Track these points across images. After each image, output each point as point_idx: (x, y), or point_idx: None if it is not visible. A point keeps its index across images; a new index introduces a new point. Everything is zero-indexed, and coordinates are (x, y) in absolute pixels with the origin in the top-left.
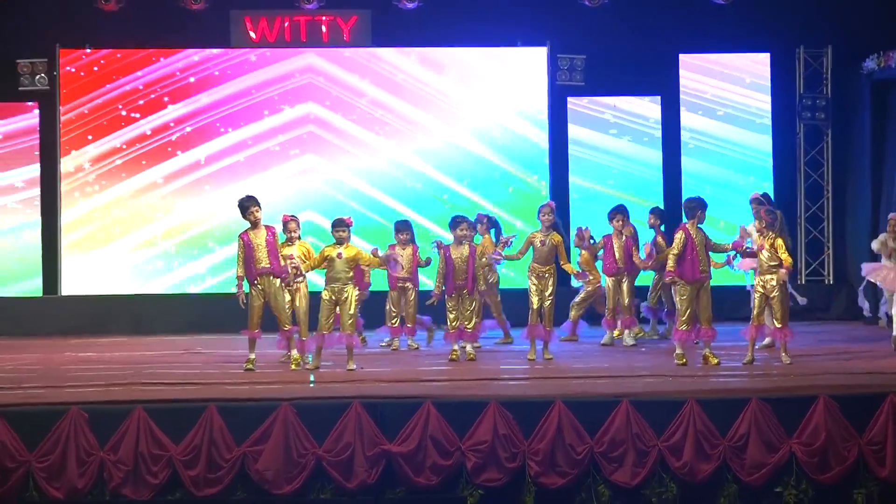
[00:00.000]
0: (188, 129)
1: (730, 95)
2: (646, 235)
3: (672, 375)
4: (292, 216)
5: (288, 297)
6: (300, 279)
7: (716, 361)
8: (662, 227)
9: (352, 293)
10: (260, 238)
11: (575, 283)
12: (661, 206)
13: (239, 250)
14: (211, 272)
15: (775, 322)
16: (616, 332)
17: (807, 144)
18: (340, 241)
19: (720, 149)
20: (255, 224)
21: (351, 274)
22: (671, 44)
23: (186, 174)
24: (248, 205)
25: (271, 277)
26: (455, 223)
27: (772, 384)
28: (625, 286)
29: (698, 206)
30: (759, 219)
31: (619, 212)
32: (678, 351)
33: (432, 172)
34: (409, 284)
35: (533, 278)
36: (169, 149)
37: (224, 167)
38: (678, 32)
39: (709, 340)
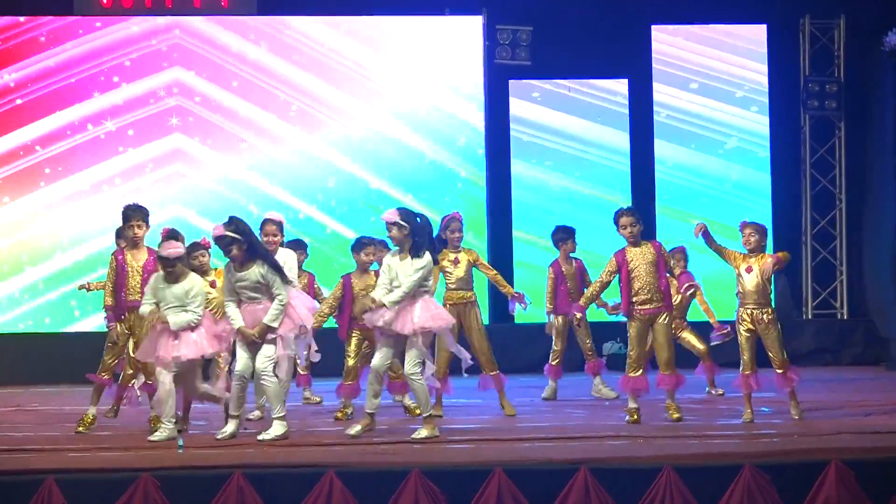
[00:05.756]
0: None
1: (714, 80)
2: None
3: (643, 436)
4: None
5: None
6: None
7: (676, 416)
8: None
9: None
10: (138, 261)
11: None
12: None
13: (109, 272)
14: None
15: (774, 366)
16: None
17: (814, 141)
18: (201, 270)
19: (702, 150)
20: (134, 242)
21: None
22: (642, 12)
23: None
24: (130, 215)
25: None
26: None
27: (770, 447)
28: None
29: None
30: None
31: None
32: (630, 405)
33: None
34: None
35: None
36: None
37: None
38: None
39: (670, 389)
